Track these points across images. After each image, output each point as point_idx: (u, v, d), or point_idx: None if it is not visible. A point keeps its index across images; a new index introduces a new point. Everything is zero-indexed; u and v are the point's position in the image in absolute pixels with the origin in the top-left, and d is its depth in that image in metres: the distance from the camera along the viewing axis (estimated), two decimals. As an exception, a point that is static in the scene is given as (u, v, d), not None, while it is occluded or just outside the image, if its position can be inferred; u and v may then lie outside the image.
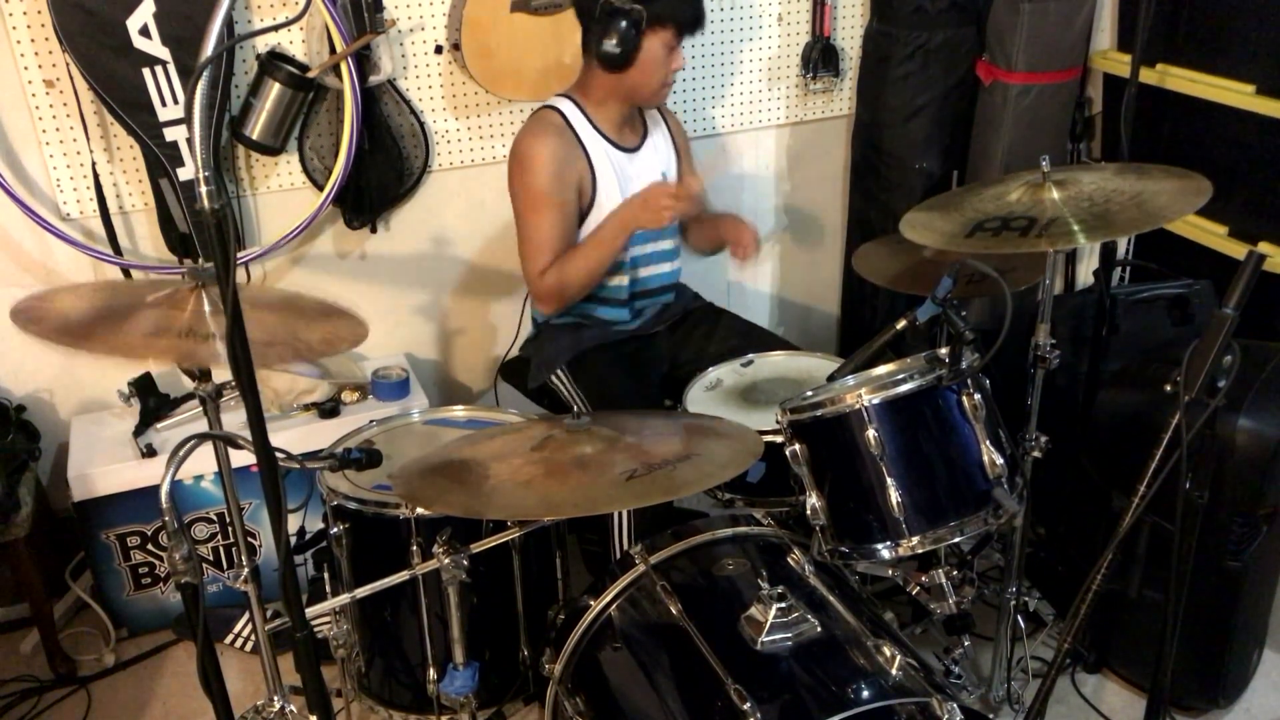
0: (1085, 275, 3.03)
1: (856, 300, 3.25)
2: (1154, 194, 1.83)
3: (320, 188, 2.57)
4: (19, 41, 2.33)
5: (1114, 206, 1.80)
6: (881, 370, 1.85)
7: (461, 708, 1.78)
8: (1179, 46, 2.60)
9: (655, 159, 2.43)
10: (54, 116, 2.41)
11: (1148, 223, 1.78)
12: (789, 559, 1.78)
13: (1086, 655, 2.29)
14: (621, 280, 2.38)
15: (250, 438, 1.28)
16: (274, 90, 2.45)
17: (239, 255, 2.56)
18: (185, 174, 2.43)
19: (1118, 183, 1.89)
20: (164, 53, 2.32)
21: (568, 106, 2.32)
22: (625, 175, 2.35)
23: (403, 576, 1.74)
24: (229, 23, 2.37)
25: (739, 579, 1.72)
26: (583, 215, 2.32)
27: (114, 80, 2.31)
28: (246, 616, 2.43)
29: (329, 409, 2.53)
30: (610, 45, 2.20)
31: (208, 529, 2.49)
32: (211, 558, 2.52)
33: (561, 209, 2.27)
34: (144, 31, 2.29)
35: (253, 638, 2.42)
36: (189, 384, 2.48)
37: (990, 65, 2.78)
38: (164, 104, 2.36)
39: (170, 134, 2.39)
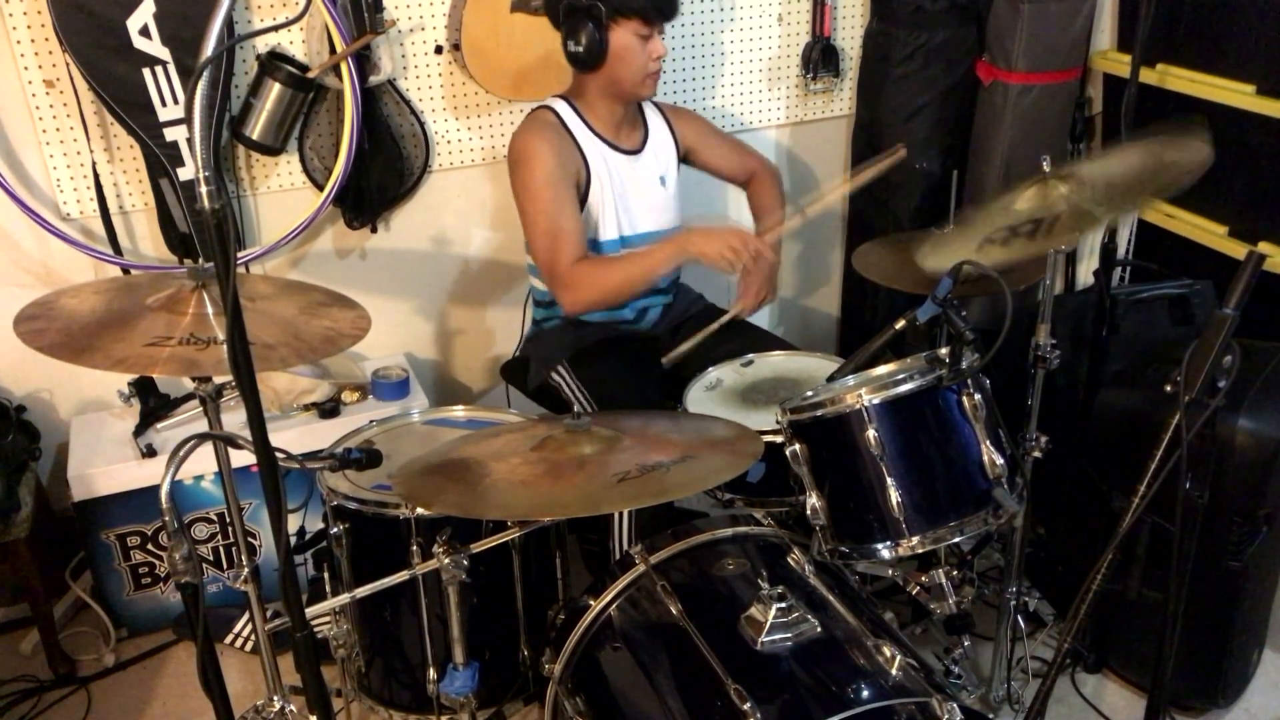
0: (1085, 275, 3.02)
1: (856, 300, 3.25)
2: (1160, 163, 1.82)
3: (320, 188, 2.57)
4: (19, 41, 2.33)
5: (1124, 182, 1.79)
6: (881, 370, 1.85)
7: (461, 708, 1.78)
8: (1179, 46, 2.60)
9: (655, 164, 2.42)
10: (54, 116, 2.41)
11: (1164, 189, 1.76)
12: (789, 559, 1.78)
13: (1086, 655, 2.29)
14: None
15: (250, 438, 1.28)
16: (274, 90, 2.45)
17: (239, 255, 2.56)
18: (185, 174, 2.43)
19: (1119, 161, 1.88)
20: (164, 53, 2.32)
21: (562, 107, 2.32)
22: (624, 177, 2.34)
23: (402, 576, 1.73)
24: (229, 23, 2.37)
25: (739, 579, 1.72)
26: None
27: (114, 80, 2.31)
28: (246, 616, 2.43)
29: (329, 409, 2.53)
30: (574, 46, 2.18)
31: (208, 529, 2.49)
32: (211, 558, 2.52)
33: (573, 200, 2.25)
34: (144, 31, 2.29)
35: (253, 638, 2.42)
36: (189, 384, 2.49)
37: (990, 65, 2.78)
38: (164, 104, 2.36)
39: (170, 134, 2.39)
